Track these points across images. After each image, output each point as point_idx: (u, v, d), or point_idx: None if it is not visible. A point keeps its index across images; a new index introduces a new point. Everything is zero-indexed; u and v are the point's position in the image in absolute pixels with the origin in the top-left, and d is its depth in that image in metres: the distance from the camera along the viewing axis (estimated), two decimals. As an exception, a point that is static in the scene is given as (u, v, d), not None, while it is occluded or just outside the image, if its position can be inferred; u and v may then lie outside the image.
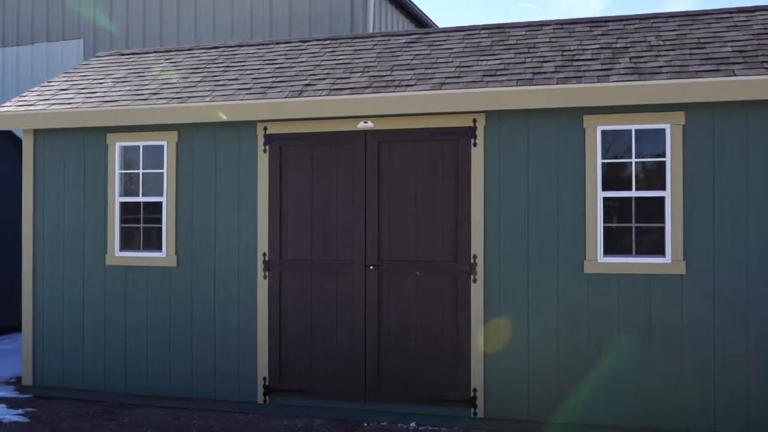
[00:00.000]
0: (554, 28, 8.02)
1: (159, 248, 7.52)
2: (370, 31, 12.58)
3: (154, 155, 7.56)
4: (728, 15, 7.67)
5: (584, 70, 6.58)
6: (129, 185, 7.64)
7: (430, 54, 7.70)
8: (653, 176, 6.28)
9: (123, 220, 7.64)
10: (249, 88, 7.42)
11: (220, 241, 7.31)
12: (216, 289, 7.30)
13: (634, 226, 6.32)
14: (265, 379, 7.13)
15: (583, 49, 7.14)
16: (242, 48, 9.05)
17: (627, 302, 6.28)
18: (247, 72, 8.00)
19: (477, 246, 6.61)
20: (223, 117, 7.07)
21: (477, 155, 6.63)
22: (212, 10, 13.60)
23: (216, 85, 7.69)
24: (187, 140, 7.44)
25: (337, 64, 7.82)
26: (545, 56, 7.11)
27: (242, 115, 7.06)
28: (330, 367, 7.00)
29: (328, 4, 12.87)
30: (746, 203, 6.07)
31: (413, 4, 14.54)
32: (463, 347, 6.64)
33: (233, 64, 8.38)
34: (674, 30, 7.40)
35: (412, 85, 6.82)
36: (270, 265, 7.15)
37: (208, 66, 8.45)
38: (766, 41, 6.70)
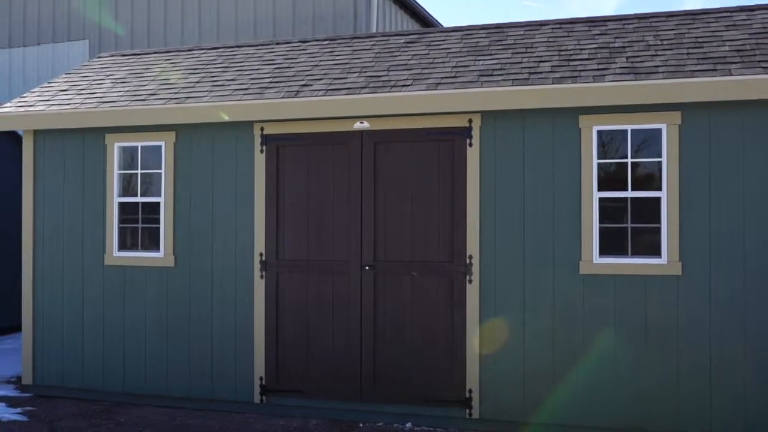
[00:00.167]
0: (553, 28, 7.99)
1: (157, 248, 7.55)
2: (374, 30, 12.58)
3: (152, 155, 7.59)
4: (728, 14, 7.61)
5: (580, 70, 6.55)
6: (127, 185, 7.67)
7: (428, 54, 7.69)
8: (649, 176, 6.24)
9: (121, 220, 7.68)
10: (246, 89, 7.44)
11: (218, 241, 7.33)
12: (213, 289, 7.32)
13: (629, 227, 6.29)
14: (261, 379, 7.14)
15: (581, 49, 7.12)
16: (242, 48, 9.06)
17: (623, 303, 6.25)
18: (246, 72, 8.01)
19: (473, 246, 6.60)
20: (224, 117, 7.09)
21: (473, 155, 6.62)
22: (216, 10, 13.65)
23: (214, 86, 7.70)
24: (185, 140, 7.46)
25: (335, 64, 7.83)
26: (542, 56, 7.08)
27: (239, 115, 7.07)
28: (326, 368, 7.01)
29: (332, 4, 12.88)
30: (743, 203, 6.03)
31: (417, 3, 14.50)
32: (459, 348, 6.63)
33: (232, 65, 8.39)
34: (673, 29, 7.36)
35: (408, 86, 6.82)
36: (267, 265, 7.16)
37: (207, 66, 8.47)
38: (765, 40, 6.65)
